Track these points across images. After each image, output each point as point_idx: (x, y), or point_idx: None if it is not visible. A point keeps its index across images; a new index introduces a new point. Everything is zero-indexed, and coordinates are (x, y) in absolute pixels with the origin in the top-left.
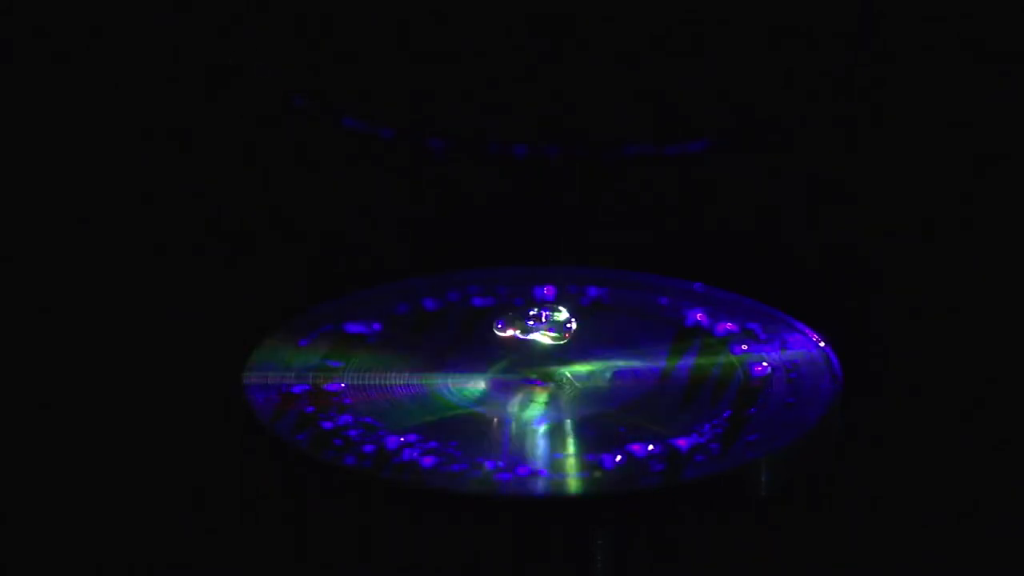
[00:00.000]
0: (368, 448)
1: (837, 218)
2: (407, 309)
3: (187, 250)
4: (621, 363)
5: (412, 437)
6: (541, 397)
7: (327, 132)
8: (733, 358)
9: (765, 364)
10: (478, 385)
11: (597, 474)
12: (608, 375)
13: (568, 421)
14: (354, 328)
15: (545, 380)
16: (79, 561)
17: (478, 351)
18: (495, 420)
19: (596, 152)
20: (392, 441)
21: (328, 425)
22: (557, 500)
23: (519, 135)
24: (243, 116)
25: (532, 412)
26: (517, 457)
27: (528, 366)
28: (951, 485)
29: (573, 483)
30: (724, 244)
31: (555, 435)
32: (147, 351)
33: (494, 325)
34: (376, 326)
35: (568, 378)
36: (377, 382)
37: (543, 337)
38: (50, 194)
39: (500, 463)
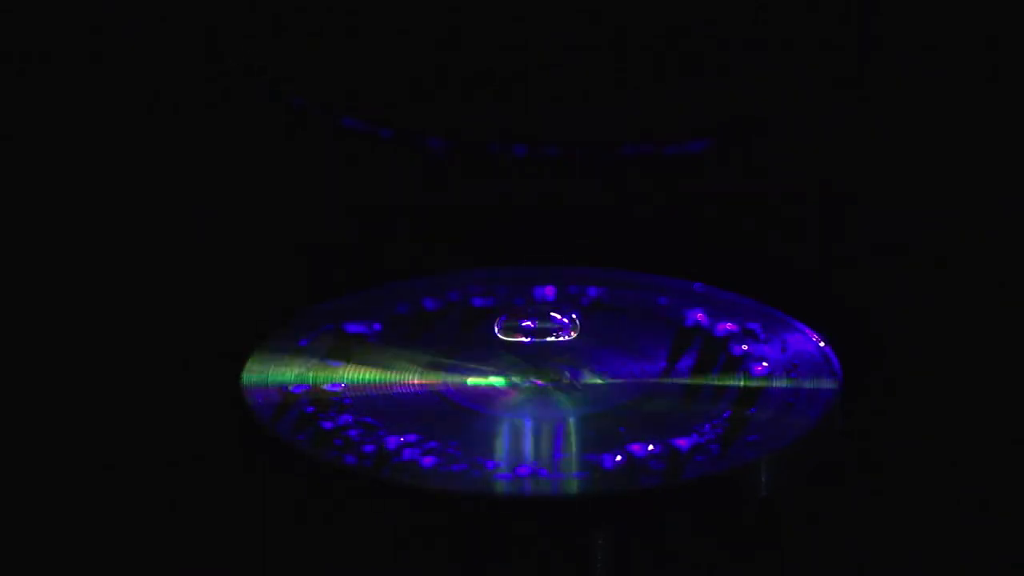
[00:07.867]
0: (368, 448)
1: (837, 218)
2: (407, 309)
3: (187, 250)
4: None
5: (412, 437)
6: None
7: (327, 132)
8: (733, 358)
9: (765, 364)
10: (479, 384)
11: (597, 474)
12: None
13: (568, 421)
14: (354, 328)
15: (545, 380)
16: (78, 561)
17: (478, 351)
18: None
19: (596, 152)
20: (392, 441)
21: (328, 425)
22: (557, 500)
23: (519, 135)
24: (243, 116)
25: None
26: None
27: (530, 366)
28: (951, 485)
29: (573, 483)
30: (724, 244)
31: (555, 435)
32: (147, 351)
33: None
34: (376, 326)
35: (569, 379)
36: (377, 382)
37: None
38: (50, 194)
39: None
